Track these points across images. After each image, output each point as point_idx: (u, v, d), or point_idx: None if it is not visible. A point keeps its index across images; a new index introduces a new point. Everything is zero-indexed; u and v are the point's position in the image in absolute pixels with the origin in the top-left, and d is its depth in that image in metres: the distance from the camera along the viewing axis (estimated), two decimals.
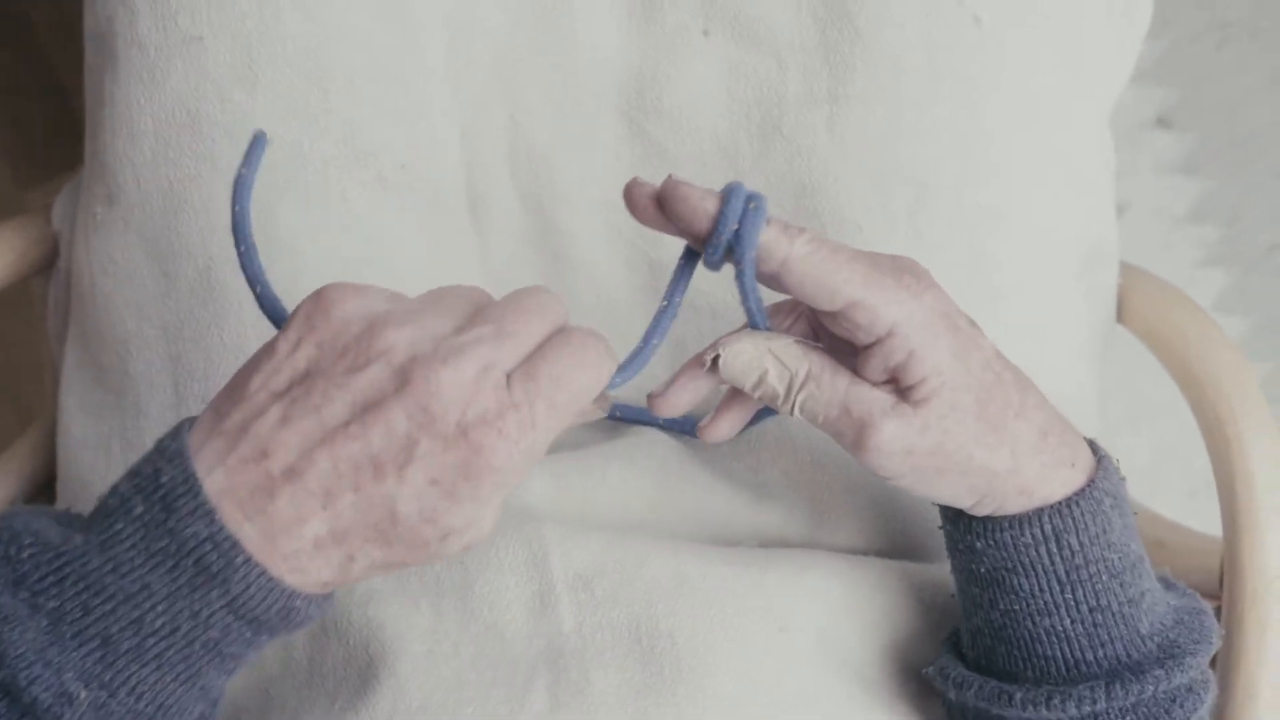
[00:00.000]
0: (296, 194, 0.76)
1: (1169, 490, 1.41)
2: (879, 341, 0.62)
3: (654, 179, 0.79)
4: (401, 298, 0.56)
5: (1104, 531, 0.65)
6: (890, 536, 0.80)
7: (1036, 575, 0.65)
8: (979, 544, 0.66)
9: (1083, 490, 0.65)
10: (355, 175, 0.77)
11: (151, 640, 0.53)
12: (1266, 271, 1.59)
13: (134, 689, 0.53)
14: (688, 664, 0.68)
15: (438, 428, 0.52)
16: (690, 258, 0.64)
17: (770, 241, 0.61)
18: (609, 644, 0.69)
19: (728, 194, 0.61)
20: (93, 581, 0.52)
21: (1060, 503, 0.65)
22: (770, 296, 0.65)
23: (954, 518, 0.68)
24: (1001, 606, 0.66)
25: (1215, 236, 1.58)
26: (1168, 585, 0.72)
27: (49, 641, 0.52)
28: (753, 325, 0.65)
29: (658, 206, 0.62)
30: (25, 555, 0.53)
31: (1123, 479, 0.68)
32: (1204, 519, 0.88)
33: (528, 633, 0.70)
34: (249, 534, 0.52)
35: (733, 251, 0.61)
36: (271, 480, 0.52)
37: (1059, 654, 0.66)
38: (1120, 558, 0.65)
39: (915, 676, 0.73)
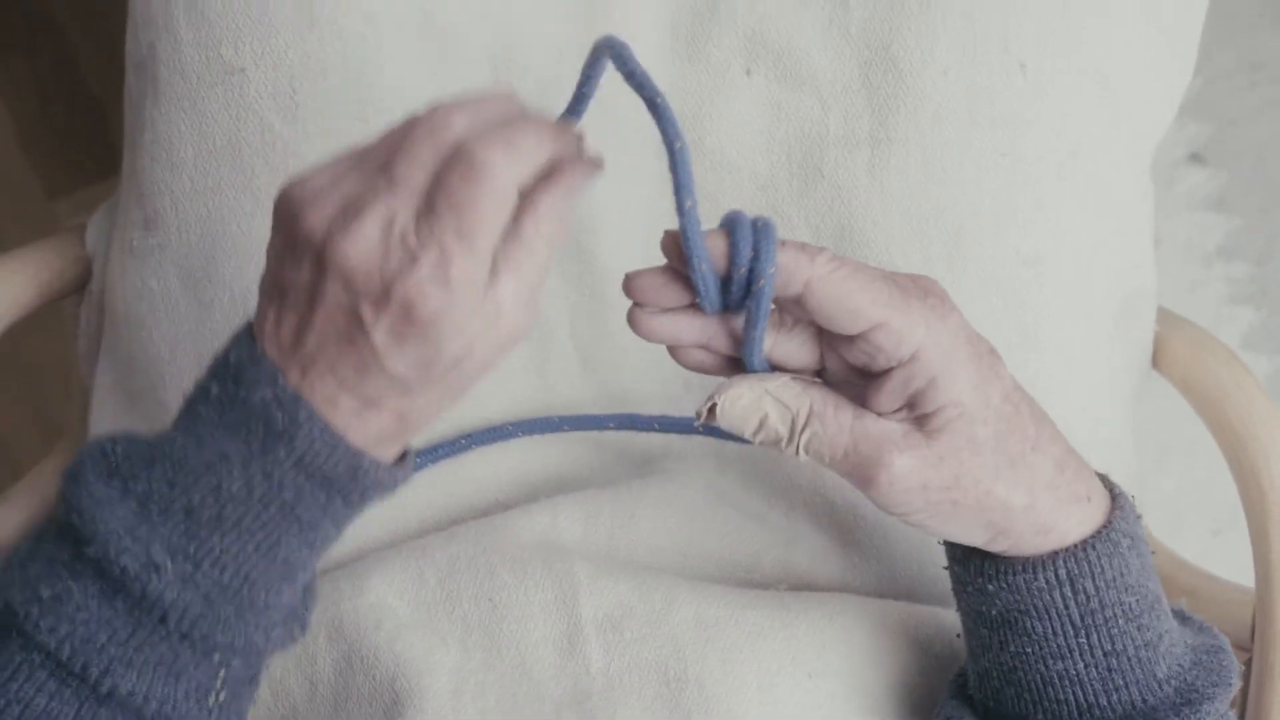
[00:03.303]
0: None
1: (1193, 527, 1.40)
2: (900, 366, 0.59)
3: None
4: (336, 164, 0.56)
5: (1121, 575, 0.63)
6: (920, 581, 0.79)
7: (1050, 619, 0.63)
8: (991, 586, 0.64)
9: (1099, 532, 0.63)
10: None
11: (230, 506, 0.55)
12: None
13: (217, 559, 0.56)
14: (715, 709, 0.68)
15: (369, 295, 0.53)
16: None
17: (790, 262, 0.58)
18: (636, 686, 0.69)
19: (731, 223, 0.59)
20: (177, 459, 0.56)
21: (1076, 546, 0.63)
22: None
23: (963, 558, 0.66)
24: (1012, 649, 0.65)
25: (1245, 274, 1.57)
26: (1184, 619, 0.71)
27: (138, 520, 0.55)
28: (749, 365, 0.62)
29: (666, 278, 0.61)
30: (119, 449, 0.57)
31: (1139, 517, 0.66)
32: (1228, 557, 0.87)
33: (555, 673, 0.70)
34: (303, 391, 0.55)
35: (750, 284, 0.59)
36: (301, 364, 0.55)
37: (1071, 698, 0.64)
38: (1138, 600, 0.64)
39: None
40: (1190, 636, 0.68)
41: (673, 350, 0.63)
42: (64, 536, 0.57)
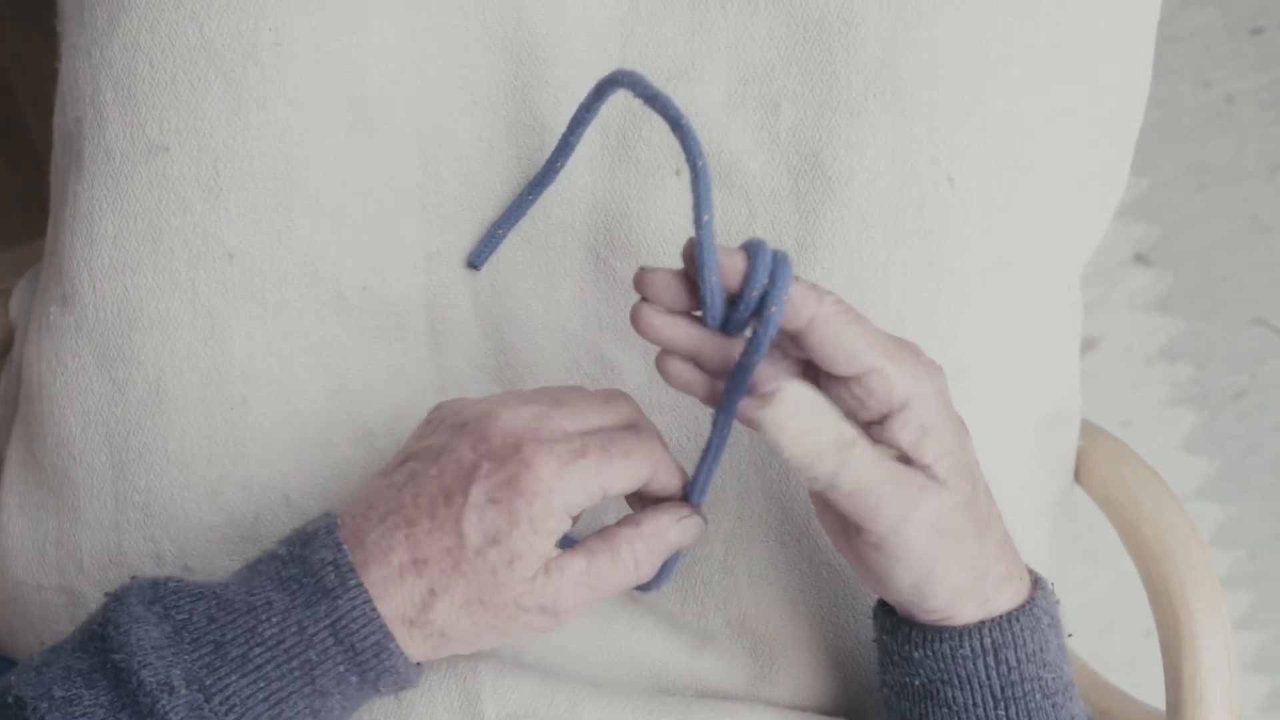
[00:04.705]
0: (252, 311, 0.75)
1: (1125, 627, 1.40)
2: (890, 415, 0.62)
3: (617, 316, 0.79)
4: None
5: (1041, 650, 0.65)
6: (831, 694, 0.79)
7: (972, 689, 0.65)
8: (917, 654, 0.66)
9: (1023, 606, 0.65)
10: (315, 294, 0.77)
11: (258, 650, 0.60)
12: (1234, 414, 1.59)
13: (228, 698, 0.59)
14: None
15: (493, 448, 0.61)
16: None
17: (799, 297, 0.61)
18: None
19: (753, 249, 0.62)
20: (224, 599, 0.61)
21: (1001, 616, 0.65)
22: None
23: (892, 629, 0.68)
24: None
25: (1187, 376, 1.58)
26: None
27: (169, 643, 0.60)
28: (737, 391, 0.63)
29: (678, 280, 0.63)
30: (170, 583, 0.63)
31: (1057, 601, 0.68)
32: (1156, 662, 0.87)
33: None
34: (356, 564, 0.61)
35: (762, 309, 0.61)
36: (371, 523, 0.62)
37: None
38: (1054, 678, 0.65)
39: None
40: None
41: (662, 361, 0.66)
42: (86, 648, 0.61)
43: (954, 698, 0.65)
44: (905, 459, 0.62)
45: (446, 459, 0.62)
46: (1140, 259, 1.56)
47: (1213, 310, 1.59)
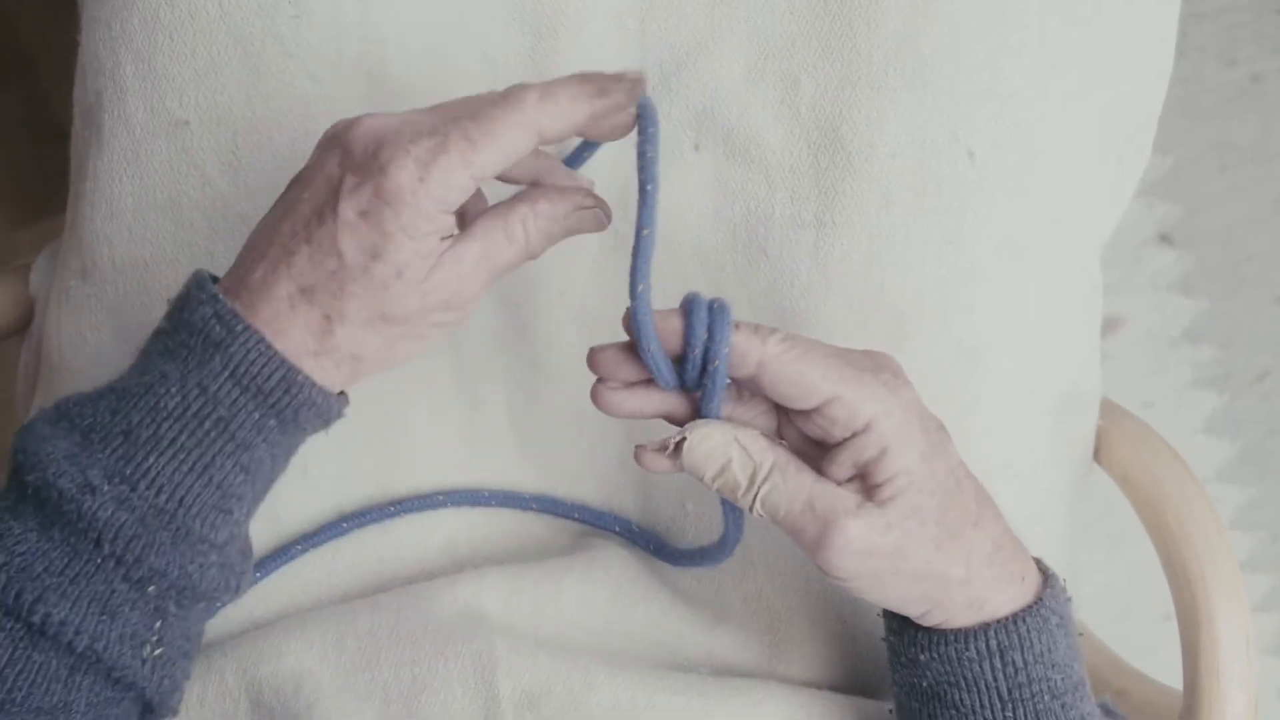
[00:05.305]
0: None
1: (1143, 612, 1.40)
2: (854, 436, 0.61)
3: None
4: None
5: (1049, 650, 0.65)
6: (845, 671, 0.79)
7: (979, 691, 0.64)
8: (923, 656, 0.66)
9: (1030, 607, 0.65)
10: None
11: (167, 425, 0.58)
12: (1256, 396, 1.58)
13: (153, 480, 0.58)
14: None
15: (355, 158, 0.59)
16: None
17: (742, 343, 0.61)
18: None
19: (689, 305, 0.62)
20: (122, 390, 0.60)
21: (1007, 618, 0.64)
22: None
23: (899, 630, 0.68)
24: None
25: (1209, 358, 1.57)
26: (1108, 712, 0.72)
27: (79, 449, 0.58)
28: None
29: (627, 354, 0.63)
30: (72, 399, 0.61)
31: (1069, 599, 0.68)
32: (1175, 646, 0.87)
33: None
34: (240, 309, 0.59)
35: (706, 365, 0.61)
36: (250, 263, 0.60)
37: None
38: (1063, 678, 0.65)
39: None
40: None
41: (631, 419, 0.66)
42: (9, 487, 0.59)
43: (961, 699, 0.65)
44: (860, 476, 0.62)
45: (315, 177, 0.60)
46: (1164, 239, 1.55)
47: (1236, 291, 1.58)
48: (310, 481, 0.77)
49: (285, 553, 0.77)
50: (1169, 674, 0.84)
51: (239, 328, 0.58)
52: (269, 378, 0.59)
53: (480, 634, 0.72)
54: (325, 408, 0.61)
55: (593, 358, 0.64)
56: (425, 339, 0.62)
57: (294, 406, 0.60)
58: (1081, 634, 0.69)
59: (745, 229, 0.79)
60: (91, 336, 0.78)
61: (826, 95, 0.77)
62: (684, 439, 0.62)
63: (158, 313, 0.76)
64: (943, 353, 0.78)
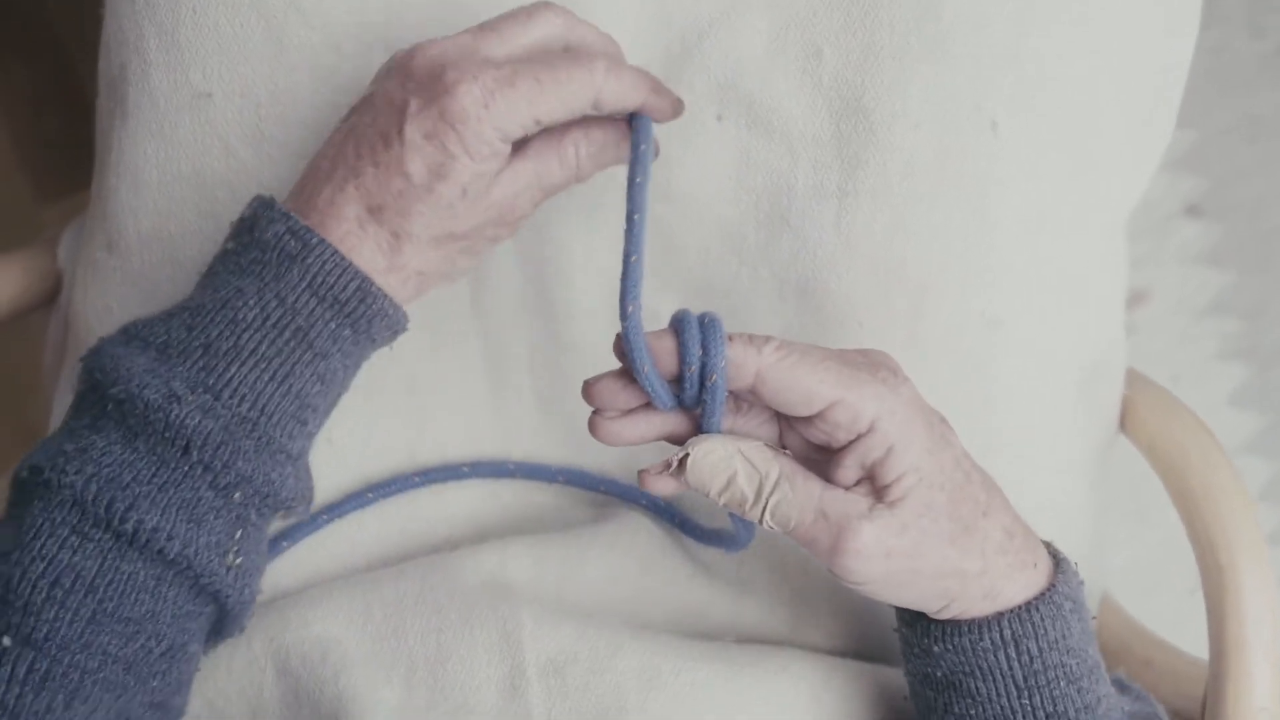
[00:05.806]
0: None
1: (1170, 586, 1.39)
2: (858, 438, 0.61)
3: (660, 263, 0.79)
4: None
5: (1063, 637, 0.64)
6: (868, 640, 0.79)
7: (994, 680, 0.64)
8: (937, 648, 0.65)
9: (1043, 594, 0.65)
10: None
11: (246, 335, 0.60)
12: None
13: (235, 389, 0.60)
14: None
15: (419, 81, 0.62)
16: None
17: (738, 355, 0.60)
18: None
19: (679, 322, 0.61)
20: (194, 307, 0.62)
21: (1020, 607, 0.64)
22: None
23: (911, 621, 0.67)
24: (957, 711, 0.66)
25: (1236, 330, 1.56)
26: (1122, 688, 0.72)
27: (158, 362, 0.60)
28: None
29: (622, 380, 0.63)
30: (138, 322, 0.63)
31: (1081, 582, 0.67)
32: (1202, 620, 0.87)
33: (496, 715, 0.70)
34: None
35: (704, 380, 0.61)
36: (315, 185, 0.63)
37: None
38: (1078, 663, 0.65)
39: None
40: (1128, 704, 0.70)
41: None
42: (82, 405, 0.61)
43: (976, 688, 0.65)
44: (869, 478, 0.62)
45: (380, 102, 0.63)
46: (1191, 211, 1.54)
47: (1264, 263, 1.56)
48: (336, 452, 0.78)
49: (311, 522, 0.78)
50: (1196, 648, 0.83)
51: (314, 241, 0.61)
52: (345, 288, 0.62)
53: (506, 602, 0.73)
54: (396, 319, 0.65)
55: (588, 389, 0.63)
56: (479, 254, 0.67)
57: (368, 316, 0.63)
58: (1097, 616, 0.68)
59: (767, 199, 0.79)
60: (118, 307, 0.78)
61: (849, 65, 0.77)
62: (687, 455, 0.62)
63: (183, 283, 0.77)
64: (967, 324, 0.78)
